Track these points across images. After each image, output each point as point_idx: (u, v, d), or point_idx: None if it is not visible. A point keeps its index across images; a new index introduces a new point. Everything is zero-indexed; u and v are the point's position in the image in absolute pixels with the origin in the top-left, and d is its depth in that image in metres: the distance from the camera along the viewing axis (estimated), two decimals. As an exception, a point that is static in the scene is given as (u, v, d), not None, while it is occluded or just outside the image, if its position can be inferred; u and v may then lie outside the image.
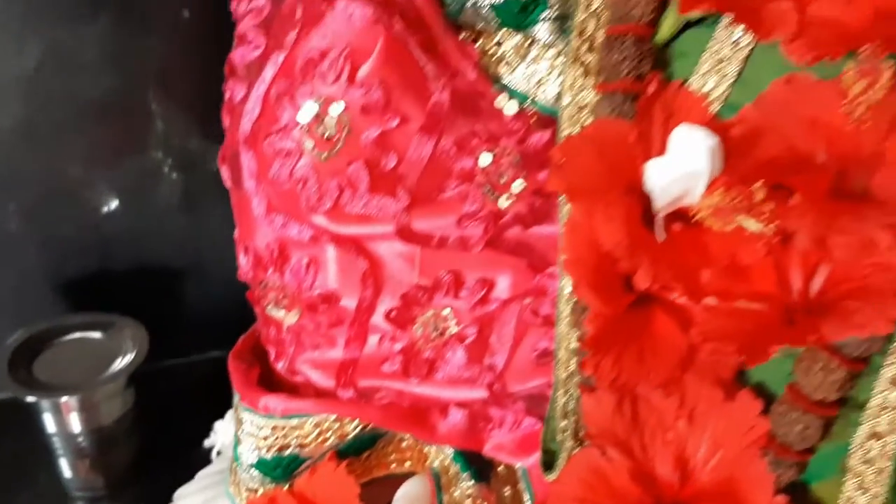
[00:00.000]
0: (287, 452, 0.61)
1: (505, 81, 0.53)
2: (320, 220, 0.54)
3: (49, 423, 0.75)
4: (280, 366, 0.62)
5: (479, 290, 0.55)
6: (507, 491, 0.63)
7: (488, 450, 0.60)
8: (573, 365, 0.51)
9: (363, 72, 0.51)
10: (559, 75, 0.52)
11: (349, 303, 0.57)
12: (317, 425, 0.60)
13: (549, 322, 0.55)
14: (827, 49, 0.41)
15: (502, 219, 0.53)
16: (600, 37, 0.49)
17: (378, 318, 0.57)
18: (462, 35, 0.54)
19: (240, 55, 0.57)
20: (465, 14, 0.53)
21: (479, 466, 0.62)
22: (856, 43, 0.40)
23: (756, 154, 0.44)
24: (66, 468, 0.77)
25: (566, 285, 0.51)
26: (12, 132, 0.77)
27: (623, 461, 0.45)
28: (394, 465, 0.66)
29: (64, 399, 0.73)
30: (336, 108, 0.51)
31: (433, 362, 0.57)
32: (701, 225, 0.43)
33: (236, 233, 0.61)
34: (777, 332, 0.41)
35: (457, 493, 0.63)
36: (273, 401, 0.60)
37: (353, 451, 0.63)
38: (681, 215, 0.45)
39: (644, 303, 0.46)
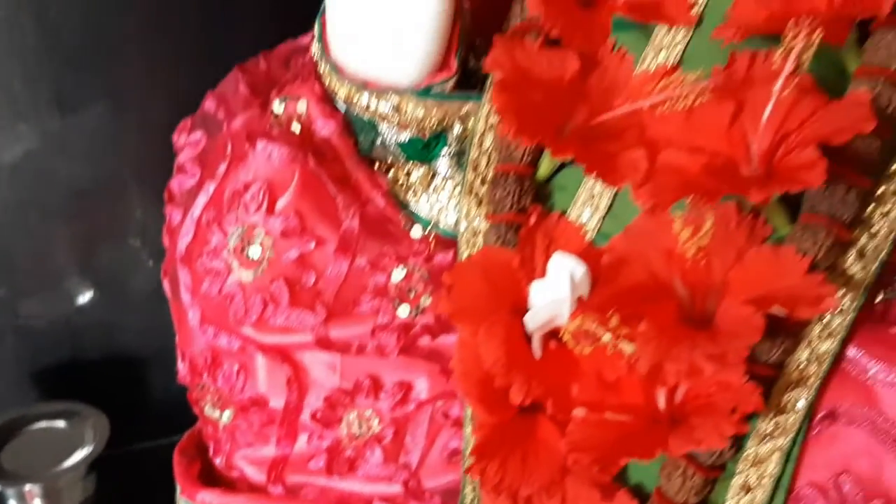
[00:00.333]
0: (223, 543, 0.65)
1: (412, 208, 0.59)
2: (248, 330, 0.60)
3: (14, 509, 0.78)
4: (218, 461, 0.66)
5: (398, 391, 0.60)
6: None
7: (412, 541, 0.64)
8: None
9: (281, 203, 0.57)
10: (457, 204, 0.58)
11: (277, 404, 0.61)
12: (250, 520, 0.64)
13: (459, 423, 0.59)
14: (668, 195, 0.45)
15: (412, 329, 0.58)
16: (490, 173, 0.55)
17: (306, 418, 0.61)
18: (376, 166, 0.60)
19: (178, 183, 0.63)
20: (376, 150, 0.60)
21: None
22: (692, 190, 0.45)
23: (620, 281, 0.48)
24: (31, 552, 0.80)
25: (468, 392, 0.55)
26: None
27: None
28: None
29: (28, 487, 0.76)
30: (259, 234, 0.58)
31: (354, 461, 0.61)
32: (571, 344, 0.48)
33: (176, 339, 0.66)
34: (629, 443, 0.45)
35: None
36: (209, 496, 0.64)
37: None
38: (555, 334, 0.49)
39: (530, 411, 0.50)
